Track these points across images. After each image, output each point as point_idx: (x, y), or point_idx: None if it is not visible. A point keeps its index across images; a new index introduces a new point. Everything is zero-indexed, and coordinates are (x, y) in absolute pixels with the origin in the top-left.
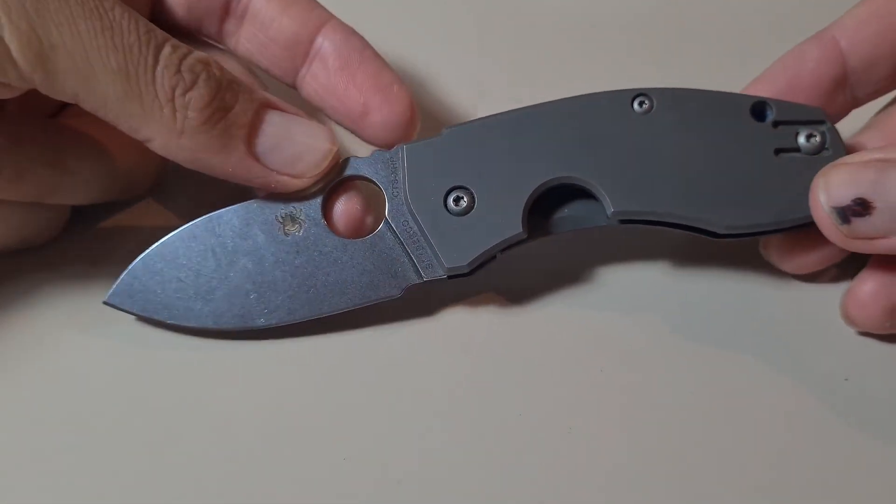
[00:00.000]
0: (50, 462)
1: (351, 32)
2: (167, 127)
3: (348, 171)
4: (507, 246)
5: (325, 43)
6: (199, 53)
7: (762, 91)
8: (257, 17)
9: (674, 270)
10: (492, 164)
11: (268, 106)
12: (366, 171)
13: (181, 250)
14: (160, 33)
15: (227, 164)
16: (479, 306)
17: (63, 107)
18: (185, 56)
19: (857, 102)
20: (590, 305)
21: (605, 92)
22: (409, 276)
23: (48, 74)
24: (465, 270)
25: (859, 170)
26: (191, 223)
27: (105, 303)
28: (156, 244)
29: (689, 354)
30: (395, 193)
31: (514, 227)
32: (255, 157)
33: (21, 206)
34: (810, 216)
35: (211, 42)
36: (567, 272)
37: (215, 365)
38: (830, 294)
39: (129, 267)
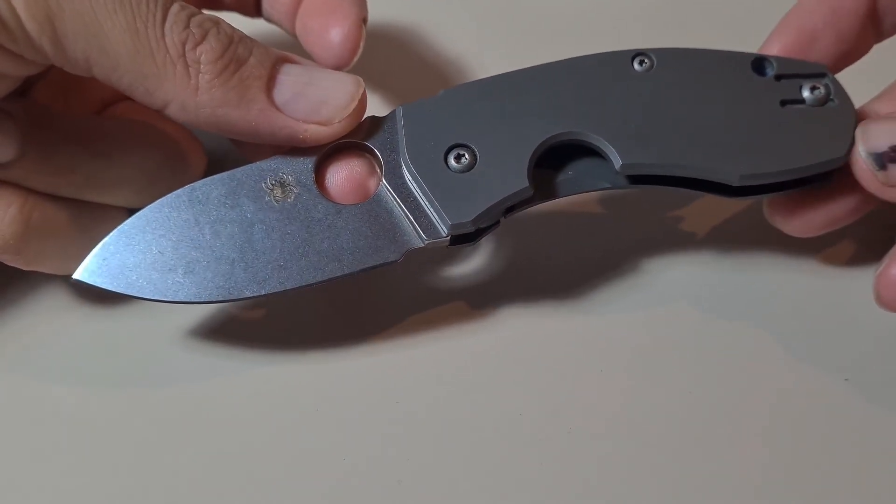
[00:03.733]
0: (50, 462)
1: None
2: (182, 84)
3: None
4: (512, 205)
5: None
6: (208, 13)
7: (801, 18)
8: None
9: (674, 270)
10: (492, 121)
11: (284, 59)
12: (358, 136)
13: (160, 221)
14: None
15: (249, 116)
16: (479, 306)
17: (107, 106)
18: (193, 14)
19: (882, 34)
20: (590, 305)
21: (603, 52)
22: (410, 239)
23: (57, 36)
24: (470, 229)
25: None
26: (172, 193)
27: (74, 280)
28: (132, 217)
29: (689, 354)
30: (392, 157)
31: (519, 182)
32: (278, 108)
33: (71, 224)
34: (823, 163)
35: None
36: (567, 272)
37: (214, 365)
38: (830, 294)
39: (102, 242)
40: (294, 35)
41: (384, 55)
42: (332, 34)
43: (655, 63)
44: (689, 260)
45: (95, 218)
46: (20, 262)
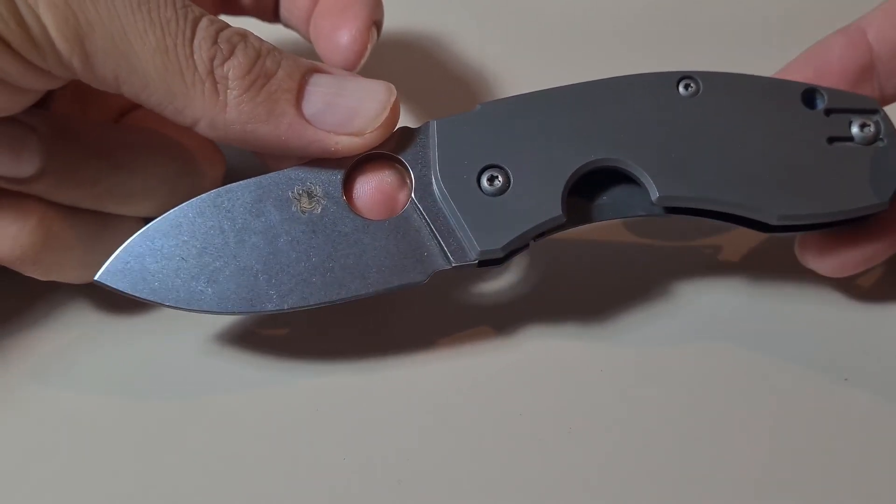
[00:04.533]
0: (50, 462)
1: None
2: (210, 102)
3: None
4: (544, 231)
5: None
6: (236, 27)
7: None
8: None
9: (673, 270)
10: (529, 142)
11: (313, 70)
12: (389, 148)
13: (185, 226)
14: (196, 7)
15: (279, 131)
16: (479, 306)
17: (125, 114)
18: (221, 28)
19: (886, 98)
20: (590, 306)
21: (648, 73)
22: (437, 261)
23: (87, 55)
24: (499, 255)
25: None
26: (197, 198)
27: (96, 281)
28: (157, 219)
29: (689, 354)
30: (423, 172)
31: (552, 210)
32: (308, 121)
33: (90, 235)
34: (866, 207)
35: None
36: (568, 272)
37: (215, 366)
38: (830, 294)
39: (126, 243)
40: (309, 39)
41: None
42: (340, 35)
43: (701, 88)
44: (688, 261)
45: (115, 228)
46: (38, 272)
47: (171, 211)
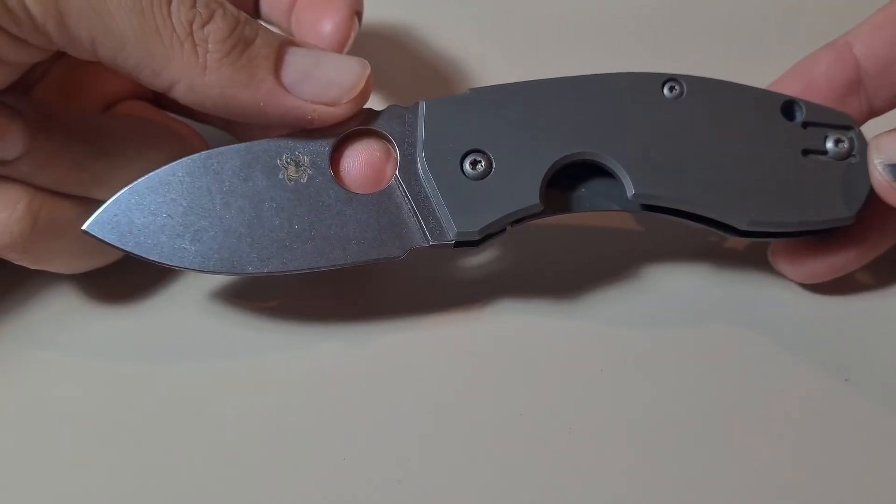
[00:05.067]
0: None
1: None
2: (190, 63)
3: (359, 124)
4: (520, 218)
5: None
6: None
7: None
8: None
9: (673, 270)
10: (513, 130)
11: (289, 42)
12: (378, 125)
13: (174, 184)
14: None
15: (258, 97)
16: (480, 306)
17: (110, 106)
18: None
19: (874, 111)
20: (590, 306)
21: (636, 73)
22: (415, 238)
23: (62, 19)
24: (475, 237)
25: None
26: (187, 157)
27: (83, 230)
28: (146, 176)
29: (689, 354)
30: (409, 151)
31: (530, 197)
32: (286, 89)
33: (78, 222)
34: (834, 220)
35: None
36: (567, 272)
37: (214, 364)
38: (830, 294)
39: (115, 196)
40: (291, 34)
41: (385, 54)
42: (323, 25)
43: (685, 91)
44: (688, 261)
45: None
46: (27, 260)
47: (161, 168)
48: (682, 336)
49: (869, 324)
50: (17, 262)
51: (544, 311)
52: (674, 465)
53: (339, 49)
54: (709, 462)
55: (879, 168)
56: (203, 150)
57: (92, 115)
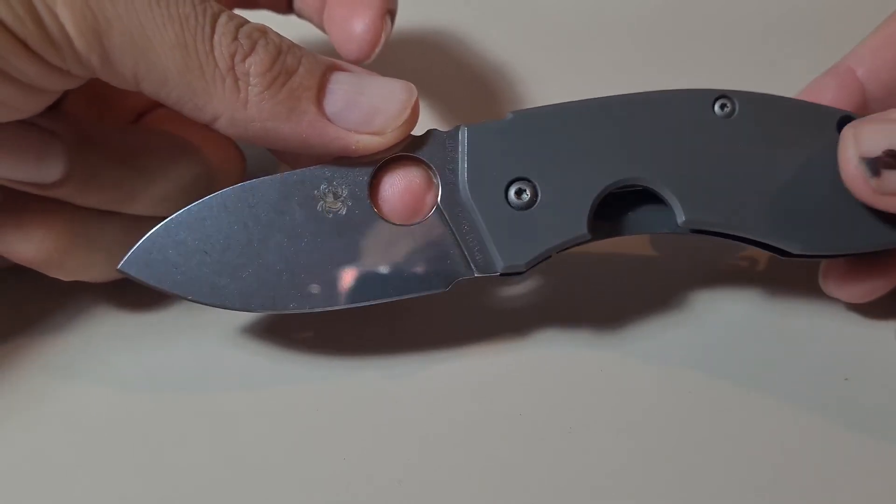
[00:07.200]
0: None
1: None
2: (231, 98)
3: (398, 150)
4: (568, 246)
5: None
6: (255, 23)
7: None
8: None
9: (673, 272)
10: (558, 156)
11: (334, 67)
12: (418, 151)
13: (209, 220)
14: (214, 3)
15: (300, 129)
16: (480, 306)
17: (141, 116)
18: (241, 24)
19: None
20: (590, 306)
21: (685, 90)
22: (459, 269)
23: (105, 52)
24: (522, 269)
25: (893, 124)
26: (221, 191)
27: (118, 269)
28: (180, 211)
29: (688, 354)
30: (450, 178)
31: (577, 227)
32: (329, 119)
33: (114, 236)
34: (887, 244)
35: None
36: (569, 274)
37: (217, 367)
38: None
39: (149, 233)
40: (323, 29)
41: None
42: (355, 24)
43: (737, 108)
44: (688, 263)
45: (139, 229)
46: (62, 274)
47: (196, 203)
48: (681, 336)
49: (869, 324)
50: (51, 276)
51: (544, 312)
52: (672, 465)
53: (369, 50)
54: (707, 461)
55: (854, 161)
56: (238, 160)
57: (127, 132)
